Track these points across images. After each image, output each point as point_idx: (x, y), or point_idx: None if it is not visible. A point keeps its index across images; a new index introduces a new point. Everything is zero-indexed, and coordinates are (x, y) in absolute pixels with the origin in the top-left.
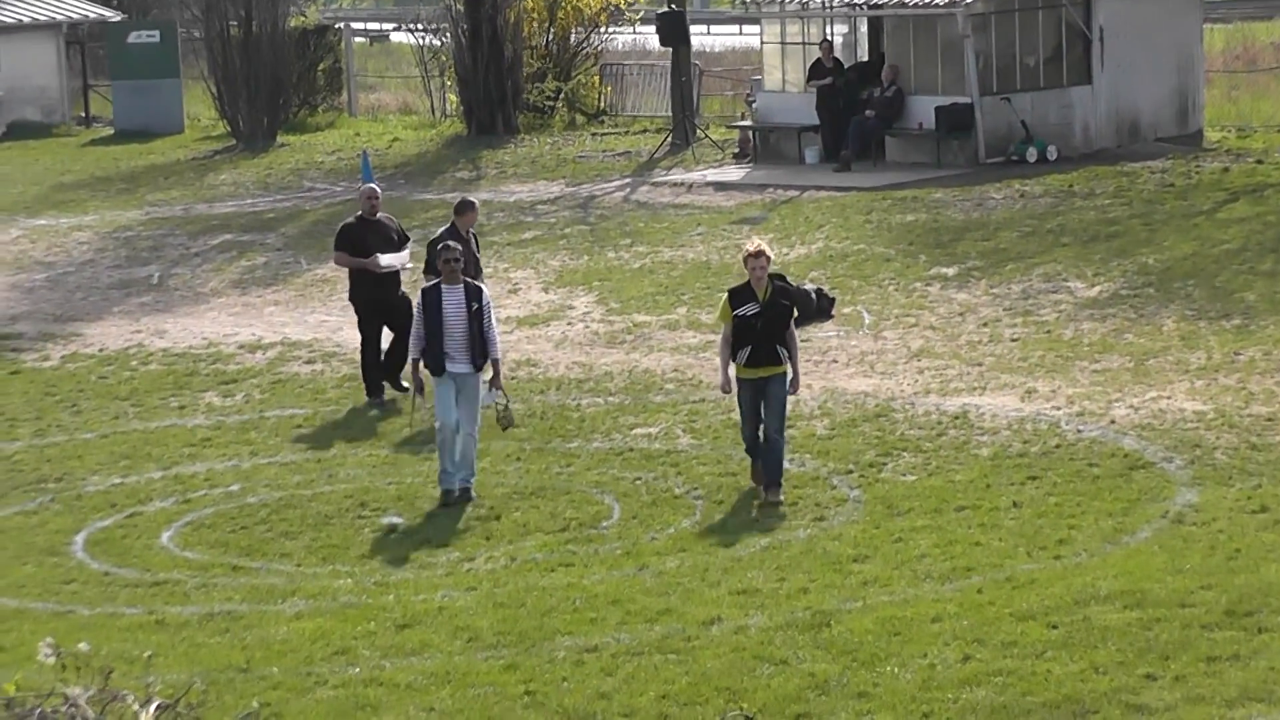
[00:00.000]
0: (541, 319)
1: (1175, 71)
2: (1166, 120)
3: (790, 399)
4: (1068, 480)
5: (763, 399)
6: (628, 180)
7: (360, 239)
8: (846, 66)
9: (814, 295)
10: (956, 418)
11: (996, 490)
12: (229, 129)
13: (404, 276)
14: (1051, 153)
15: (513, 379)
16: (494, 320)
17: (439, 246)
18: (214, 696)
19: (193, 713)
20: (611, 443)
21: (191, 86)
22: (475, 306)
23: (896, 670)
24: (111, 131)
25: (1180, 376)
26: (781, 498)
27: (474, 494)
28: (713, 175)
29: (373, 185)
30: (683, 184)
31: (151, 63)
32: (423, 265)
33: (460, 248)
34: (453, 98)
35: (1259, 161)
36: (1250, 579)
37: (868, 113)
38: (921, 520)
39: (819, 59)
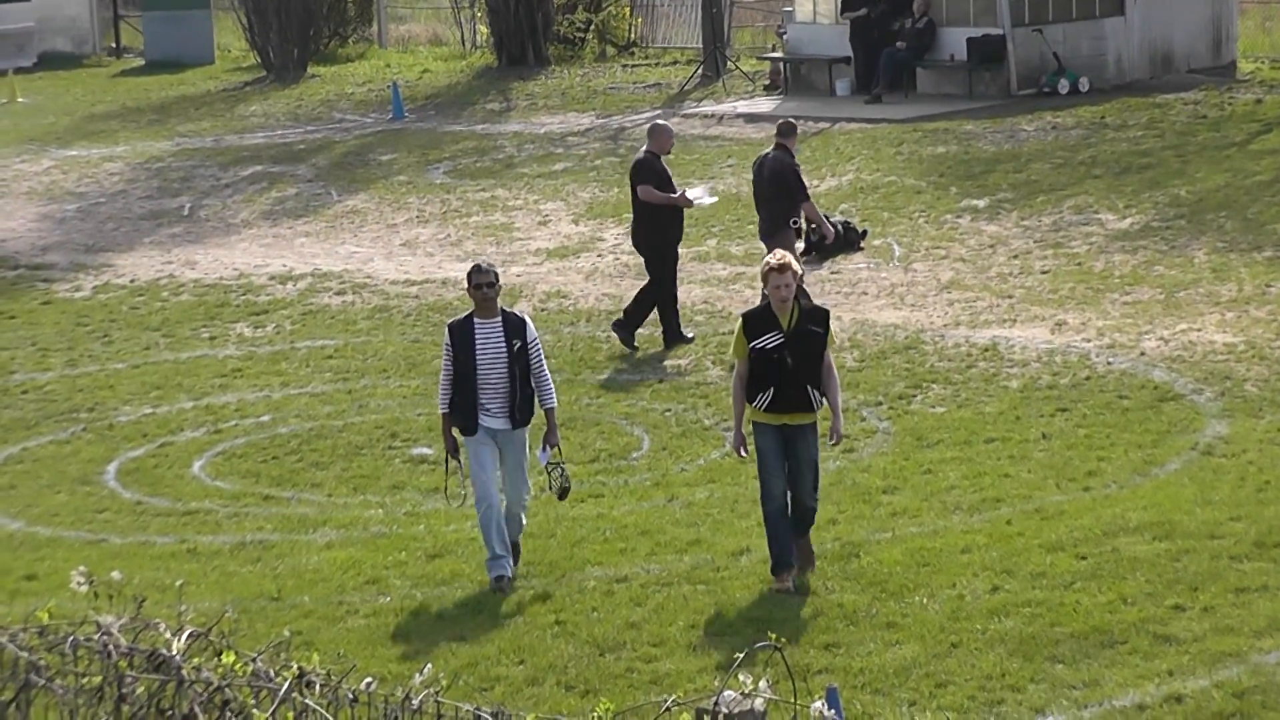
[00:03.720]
0: (572, 251)
1: (1209, 1)
2: (1200, 51)
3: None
4: (1097, 412)
5: (790, 458)
6: (658, 112)
7: (666, 175)
8: None
9: (841, 228)
10: (986, 350)
11: (1026, 422)
12: (259, 60)
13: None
14: (1083, 84)
15: (543, 310)
16: (544, 360)
17: (470, 270)
18: (245, 625)
19: (224, 641)
20: (641, 374)
21: (222, 17)
22: (518, 344)
23: (925, 601)
24: (142, 62)
25: (1211, 308)
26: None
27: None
28: (743, 107)
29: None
30: (713, 116)
31: None
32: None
33: (495, 272)
34: (483, 29)
35: None
36: (1279, 510)
37: (899, 44)
38: (951, 452)
39: None
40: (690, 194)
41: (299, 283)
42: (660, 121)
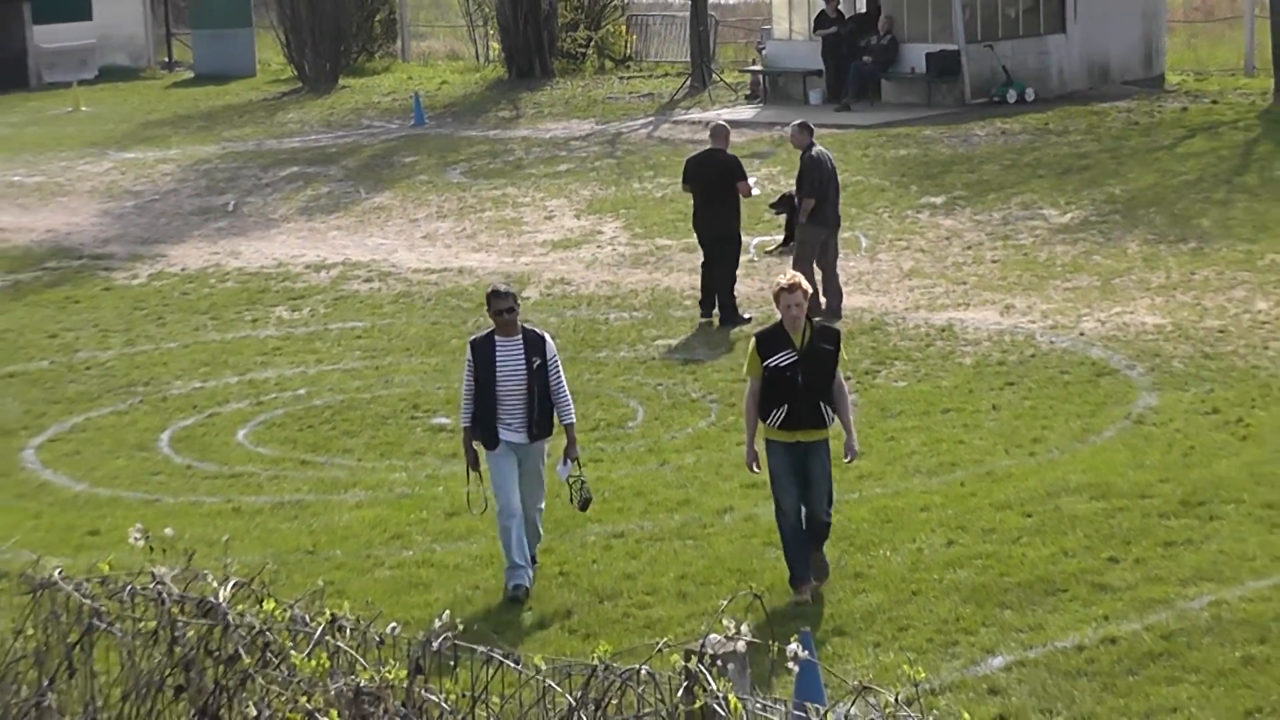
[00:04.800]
0: (574, 242)
1: (1140, 21)
2: (1132, 65)
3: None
4: (1041, 386)
5: (803, 474)
6: (651, 119)
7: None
8: (848, 17)
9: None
10: (943, 330)
11: (978, 395)
12: (296, 73)
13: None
14: (1029, 94)
15: (548, 295)
16: (563, 377)
17: (489, 295)
18: (284, 576)
19: (265, 590)
20: (636, 353)
21: (263, 34)
22: (537, 362)
23: (888, 554)
24: (191, 75)
25: (1142, 294)
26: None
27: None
28: (727, 114)
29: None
30: (700, 122)
31: (227, 13)
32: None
33: (514, 295)
34: (495, 45)
35: (1214, 102)
36: (1203, 473)
37: (866, 59)
38: (911, 422)
39: (823, 10)
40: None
41: (331, 271)
42: (721, 121)
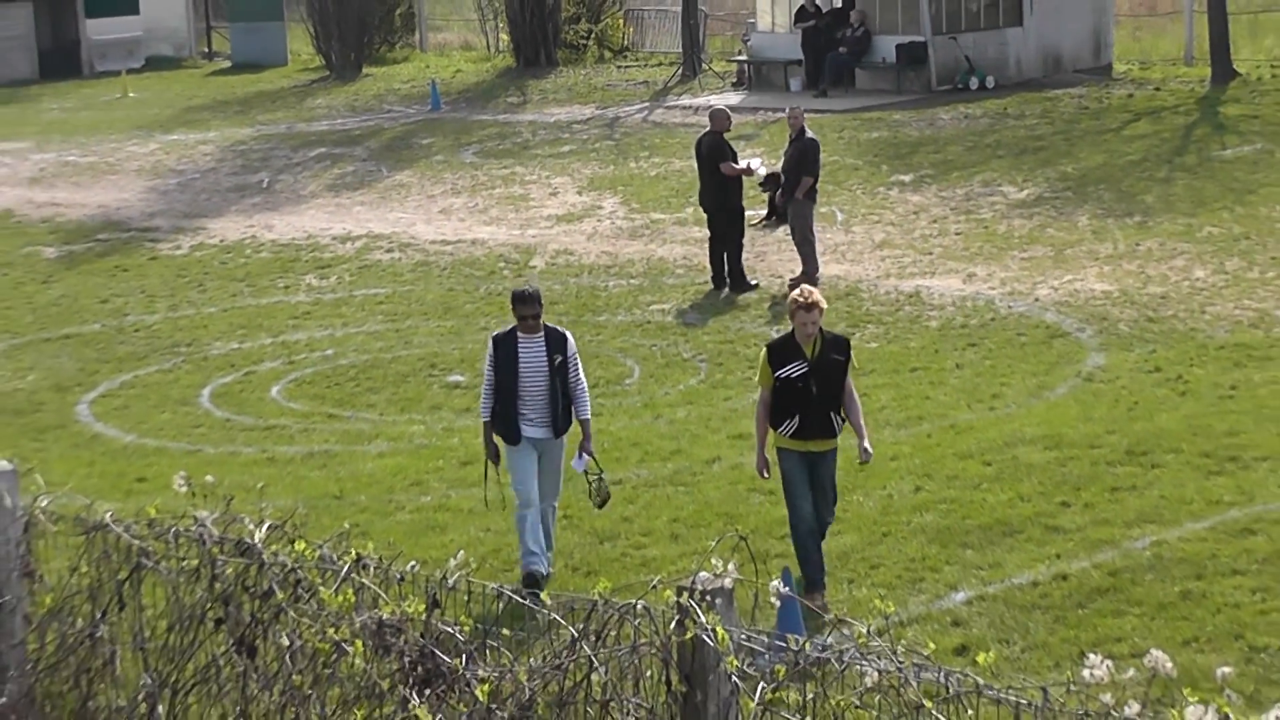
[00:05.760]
0: (576, 217)
1: (1090, 15)
2: (1083, 55)
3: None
4: (1000, 347)
5: (813, 478)
6: (646, 104)
7: (733, 151)
8: (825, 11)
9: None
10: (911, 296)
11: (943, 355)
12: (323, 62)
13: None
14: (990, 82)
15: (553, 265)
16: (582, 373)
17: (513, 298)
18: (313, 519)
19: (297, 532)
20: (632, 316)
21: (294, 27)
22: (559, 359)
23: (861, 499)
24: (229, 64)
25: (1092, 263)
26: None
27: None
28: (715, 100)
29: (723, 108)
30: (690, 107)
31: (261, 7)
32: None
33: (538, 297)
34: (504, 37)
35: (1157, 89)
36: (1146, 426)
37: (841, 49)
38: (882, 379)
39: (803, 5)
40: (751, 165)
41: (356, 243)
42: (720, 106)
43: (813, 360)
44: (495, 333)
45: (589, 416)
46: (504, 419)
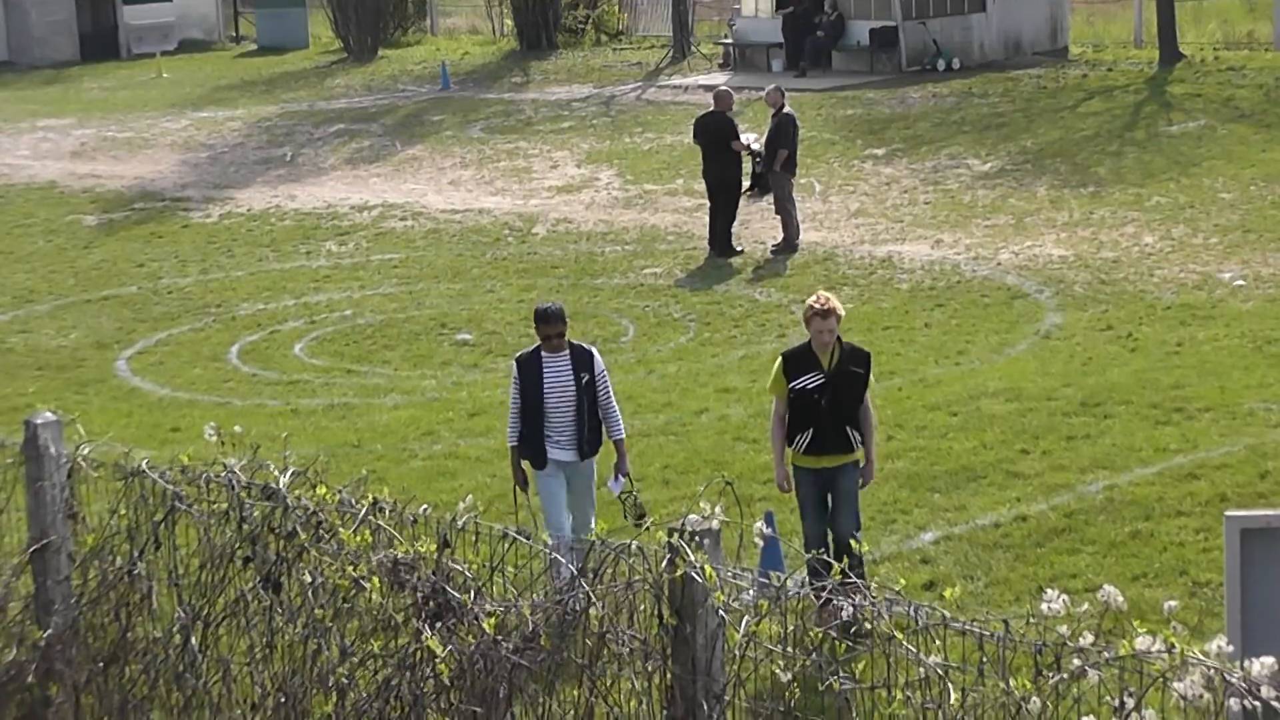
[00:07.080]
0: (575, 188)
1: (1048, 1)
2: (1041, 39)
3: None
4: (965, 307)
5: (830, 494)
6: (639, 84)
7: (736, 129)
8: None
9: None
10: (883, 261)
11: (912, 315)
12: (342, 45)
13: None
14: (956, 63)
15: (554, 232)
16: (611, 391)
17: (536, 317)
18: (333, 466)
19: (318, 477)
20: (627, 279)
21: (314, 12)
22: (585, 378)
23: None
24: (255, 47)
25: (1049, 230)
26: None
27: None
28: (703, 80)
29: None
30: (680, 86)
31: None
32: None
33: (563, 316)
34: (509, 21)
35: (1109, 70)
36: (1099, 380)
37: (819, 33)
38: (857, 337)
39: None
40: (748, 140)
41: (372, 212)
42: (724, 87)
43: (829, 371)
44: (519, 354)
45: (623, 436)
46: (531, 441)
